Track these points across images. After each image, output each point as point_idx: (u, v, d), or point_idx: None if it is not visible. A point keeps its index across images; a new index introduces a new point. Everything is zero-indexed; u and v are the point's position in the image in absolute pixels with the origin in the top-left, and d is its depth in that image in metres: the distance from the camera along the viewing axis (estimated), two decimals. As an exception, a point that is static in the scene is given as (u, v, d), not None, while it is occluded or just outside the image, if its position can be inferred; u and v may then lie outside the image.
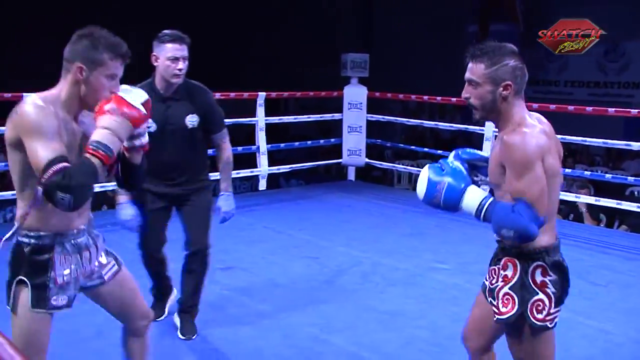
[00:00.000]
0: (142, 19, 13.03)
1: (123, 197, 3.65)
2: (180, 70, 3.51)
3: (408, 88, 9.25)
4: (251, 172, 7.64)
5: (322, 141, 9.24)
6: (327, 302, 4.44)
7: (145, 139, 2.39)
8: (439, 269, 5.20)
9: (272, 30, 16.36)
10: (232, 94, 7.29)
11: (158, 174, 3.61)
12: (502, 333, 2.47)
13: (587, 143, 7.06)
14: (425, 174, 2.36)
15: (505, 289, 2.31)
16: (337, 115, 8.61)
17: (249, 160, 7.84)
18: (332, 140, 8.92)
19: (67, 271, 2.33)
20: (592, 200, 6.80)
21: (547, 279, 2.26)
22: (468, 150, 2.53)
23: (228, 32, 16.32)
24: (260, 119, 7.51)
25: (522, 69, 2.27)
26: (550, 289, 2.26)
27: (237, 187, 11.00)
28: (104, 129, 2.15)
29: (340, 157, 8.70)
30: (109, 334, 3.81)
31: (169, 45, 3.49)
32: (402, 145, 9.89)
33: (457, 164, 2.38)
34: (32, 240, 2.27)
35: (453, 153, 2.49)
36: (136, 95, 2.25)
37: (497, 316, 2.35)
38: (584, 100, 11.48)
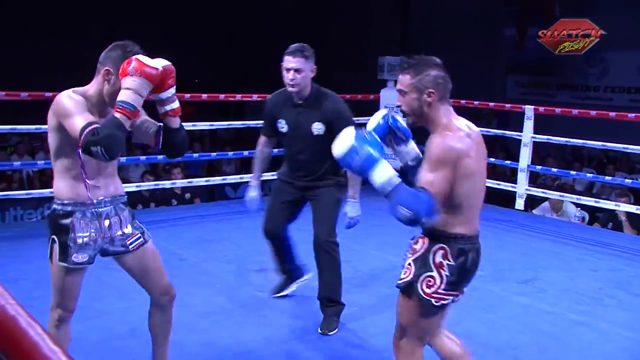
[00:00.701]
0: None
1: (253, 182, 4.24)
2: (291, 80, 3.79)
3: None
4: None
5: (358, 144, 9.22)
6: (361, 307, 4.43)
7: (175, 104, 2.74)
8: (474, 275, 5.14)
9: (309, 33, 16.39)
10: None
11: (291, 168, 4.14)
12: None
13: (628, 150, 6.94)
14: (349, 138, 2.47)
15: (409, 260, 2.65)
16: (373, 119, 8.58)
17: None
18: (368, 143, 8.89)
19: (86, 234, 2.75)
20: (632, 208, 6.68)
21: (445, 262, 2.54)
22: (397, 120, 2.75)
23: (263, 35, 16.40)
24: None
25: (444, 77, 2.58)
26: (445, 272, 2.54)
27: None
28: (127, 89, 2.52)
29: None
30: (142, 332, 3.86)
31: (285, 57, 3.81)
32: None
33: (377, 137, 2.59)
34: (59, 207, 2.75)
35: (379, 120, 2.72)
36: (156, 61, 2.60)
37: (397, 281, 2.67)
38: (624, 106, 11.29)
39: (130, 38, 2.72)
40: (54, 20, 14.30)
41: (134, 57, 2.56)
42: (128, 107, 2.51)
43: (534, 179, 8.66)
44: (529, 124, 7.12)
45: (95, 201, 2.77)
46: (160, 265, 3.00)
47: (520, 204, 7.24)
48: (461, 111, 10.31)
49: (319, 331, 4.01)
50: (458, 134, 2.52)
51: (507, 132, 7.75)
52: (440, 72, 2.57)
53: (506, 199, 8.30)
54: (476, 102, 8.21)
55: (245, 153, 8.03)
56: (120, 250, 2.87)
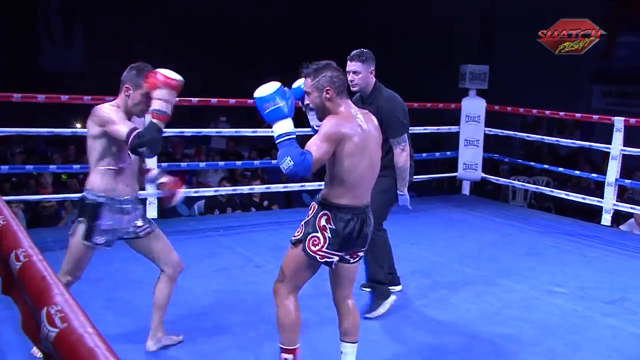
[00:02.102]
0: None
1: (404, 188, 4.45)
2: (351, 81, 4.19)
3: (525, 101, 8.97)
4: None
5: (437, 154, 9.07)
6: (439, 321, 4.31)
7: (166, 108, 3.25)
8: (557, 293, 4.96)
9: (389, 39, 16.31)
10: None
11: None
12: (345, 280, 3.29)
13: None
14: (273, 88, 2.96)
15: (303, 222, 3.13)
16: (453, 128, 8.45)
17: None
18: (448, 153, 8.74)
19: (109, 222, 3.38)
20: None
21: (327, 226, 3.03)
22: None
23: (345, 42, 16.40)
24: (377, 129, 7.46)
25: (338, 76, 3.06)
26: (327, 234, 3.03)
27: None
28: (158, 99, 3.18)
29: (454, 171, 8.53)
30: (217, 340, 3.86)
31: (347, 62, 4.26)
32: (520, 160, 9.58)
33: (292, 98, 3.04)
34: (92, 197, 3.36)
35: (301, 84, 3.24)
36: (174, 73, 3.23)
37: (291, 238, 3.15)
38: None
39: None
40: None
41: (158, 71, 3.22)
42: (162, 113, 3.18)
43: (621, 193, 8.35)
44: (618, 136, 6.86)
45: (122, 198, 3.41)
46: (168, 244, 3.64)
47: (607, 219, 6.98)
48: (544, 122, 10.05)
49: (365, 316, 4.16)
50: (348, 120, 3.01)
51: (594, 145, 7.49)
52: (335, 72, 3.06)
53: (590, 213, 8.03)
54: (561, 113, 7.98)
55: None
56: (132, 236, 3.52)
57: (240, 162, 9.06)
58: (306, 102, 3.15)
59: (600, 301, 4.83)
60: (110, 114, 3.25)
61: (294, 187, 7.76)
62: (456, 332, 4.15)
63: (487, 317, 4.43)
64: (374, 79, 4.35)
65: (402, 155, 4.32)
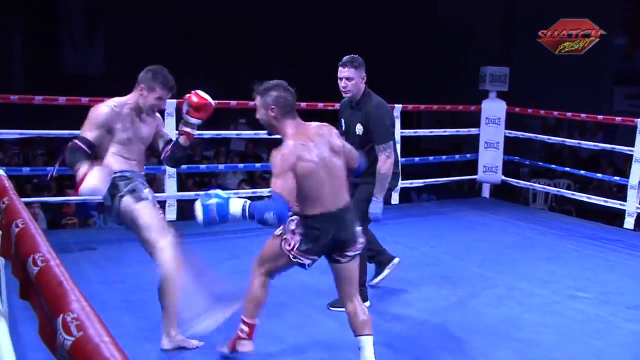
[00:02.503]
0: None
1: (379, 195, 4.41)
2: (343, 87, 4.34)
3: (546, 103, 8.90)
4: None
5: (457, 156, 9.03)
6: (459, 325, 4.27)
7: (194, 131, 3.85)
8: (579, 298, 4.91)
9: (408, 42, 16.27)
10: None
11: None
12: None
13: None
14: (199, 204, 3.15)
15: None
16: (473, 130, 8.40)
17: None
18: (468, 155, 8.69)
19: (146, 190, 3.66)
20: None
21: (296, 230, 3.25)
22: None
23: (364, 44, 16.39)
24: (396, 131, 7.42)
25: (284, 97, 3.27)
26: (297, 238, 3.25)
27: (368, 199, 11.02)
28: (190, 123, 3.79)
29: (473, 173, 8.48)
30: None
31: (339, 68, 4.36)
32: (541, 163, 9.50)
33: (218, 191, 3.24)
34: (118, 175, 3.60)
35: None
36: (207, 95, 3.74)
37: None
38: None
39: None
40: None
41: (194, 92, 3.77)
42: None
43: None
44: (642, 139, 6.78)
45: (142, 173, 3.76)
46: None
47: (629, 222, 6.90)
48: (564, 124, 9.97)
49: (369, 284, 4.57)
50: (295, 144, 3.18)
51: (617, 147, 7.41)
52: (282, 93, 3.27)
53: (612, 216, 7.95)
54: (583, 115, 7.90)
55: (343, 163, 8.01)
56: None
57: (260, 164, 9.06)
58: (257, 117, 3.37)
59: (623, 306, 4.77)
60: (90, 115, 3.58)
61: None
62: (476, 336, 4.11)
63: (507, 321, 4.39)
64: (365, 85, 4.40)
65: (387, 163, 4.31)
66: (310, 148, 3.21)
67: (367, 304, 4.41)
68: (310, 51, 16.44)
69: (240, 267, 5.31)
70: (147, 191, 3.65)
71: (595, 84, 13.41)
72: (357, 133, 4.37)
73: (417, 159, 8.45)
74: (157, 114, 3.87)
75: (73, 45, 15.95)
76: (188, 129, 3.81)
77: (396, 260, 4.92)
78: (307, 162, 3.16)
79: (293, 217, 3.26)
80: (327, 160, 3.25)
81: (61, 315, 0.79)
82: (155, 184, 9.18)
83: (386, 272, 4.90)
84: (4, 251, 1.40)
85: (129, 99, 3.68)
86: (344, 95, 4.39)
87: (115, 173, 3.60)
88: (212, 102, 3.78)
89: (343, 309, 3.66)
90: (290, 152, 3.15)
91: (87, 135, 3.55)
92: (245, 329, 3.47)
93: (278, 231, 3.36)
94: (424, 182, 8.29)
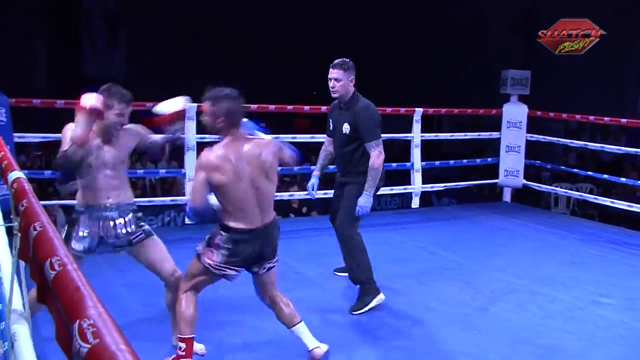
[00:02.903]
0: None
1: (314, 172, 4.90)
2: (332, 88, 4.49)
3: (568, 107, 8.81)
4: (404, 189, 7.53)
5: (478, 160, 8.96)
6: (481, 331, 4.23)
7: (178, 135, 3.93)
8: (602, 304, 4.84)
9: (429, 45, 16.23)
10: (389, 109, 7.22)
11: (336, 165, 4.86)
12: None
13: None
14: None
15: (206, 237, 3.46)
16: (494, 134, 8.34)
17: (401, 177, 7.73)
18: (489, 159, 8.63)
19: (85, 231, 3.51)
20: None
21: (221, 244, 3.36)
22: None
23: (385, 46, 16.37)
24: (416, 135, 7.40)
25: (234, 110, 3.37)
26: (221, 251, 3.37)
27: (387, 203, 10.99)
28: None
29: (494, 177, 8.42)
30: (255, 346, 3.84)
31: (329, 70, 4.50)
32: (564, 167, 9.41)
33: None
34: (76, 207, 3.56)
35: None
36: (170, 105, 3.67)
37: (196, 248, 3.49)
38: None
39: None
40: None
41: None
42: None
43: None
44: (666, 143, 6.70)
45: (102, 206, 3.52)
46: (161, 253, 3.68)
47: (653, 227, 6.81)
48: (587, 127, 9.82)
49: (350, 311, 4.47)
50: (217, 152, 3.32)
51: (640, 151, 7.32)
52: (233, 105, 3.37)
53: (636, 221, 7.86)
54: (606, 119, 7.82)
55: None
56: (124, 244, 3.60)
57: (280, 167, 9.05)
58: (202, 118, 3.49)
59: (649, 312, 4.70)
60: (65, 133, 3.50)
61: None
62: (497, 342, 4.07)
63: (529, 327, 4.34)
64: (353, 88, 4.54)
65: (380, 158, 4.44)
66: (232, 161, 3.31)
67: (382, 296, 4.55)
68: (318, 54, 16.44)
69: (321, 267, 5.31)
70: (84, 233, 3.53)
71: (619, 86, 13.29)
72: (344, 132, 4.54)
73: (437, 162, 8.39)
74: (130, 126, 3.67)
75: (94, 49, 16.07)
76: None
77: (382, 296, 4.58)
78: (224, 173, 3.28)
79: (218, 233, 3.39)
80: (253, 177, 3.36)
81: (77, 321, 0.77)
82: (175, 187, 9.23)
83: (372, 305, 4.53)
84: (23, 254, 1.39)
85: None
86: (332, 95, 4.54)
87: (77, 207, 3.60)
88: (175, 108, 3.72)
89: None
90: (210, 157, 3.31)
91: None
92: (183, 345, 3.42)
93: (199, 251, 3.45)
94: (444, 186, 8.24)
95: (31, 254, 1.27)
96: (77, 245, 3.51)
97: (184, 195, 6.65)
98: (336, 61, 4.51)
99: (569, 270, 5.65)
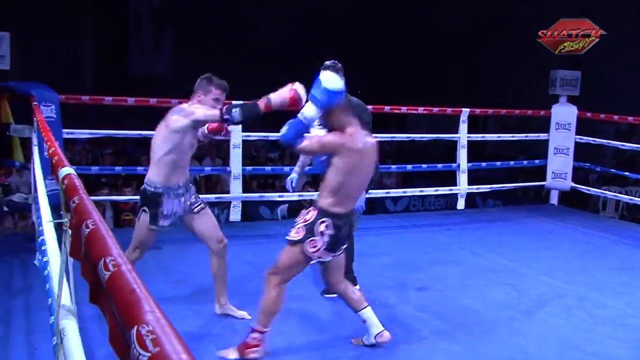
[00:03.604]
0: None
1: (295, 168, 5.06)
2: None
3: (620, 108, 8.61)
4: (450, 190, 7.45)
5: (525, 162, 8.82)
6: (527, 336, 4.15)
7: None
8: (654, 311, 4.71)
9: (477, 45, 16.05)
10: (435, 109, 7.15)
11: None
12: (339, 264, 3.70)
13: None
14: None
15: (301, 224, 3.48)
16: (542, 135, 8.20)
17: (447, 178, 7.65)
18: (537, 161, 8.48)
19: (170, 208, 3.90)
20: None
21: (326, 232, 3.42)
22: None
23: (430, 47, 16.24)
24: (463, 135, 7.31)
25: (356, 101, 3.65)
26: (325, 239, 3.42)
27: (432, 204, 10.89)
28: (275, 94, 3.62)
29: (540, 179, 8.28)
30: (299, 348, 3.82)
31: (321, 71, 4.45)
32: (613, 170, 9.20)
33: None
34: (152, 188, 3.88)
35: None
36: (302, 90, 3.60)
37: (287, 237, 3.52)
38: None
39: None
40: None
41: (296, 85, 3.62)
42: (269, 103, 3.59)
43: None
44: None
45: (176, 186, 3.92)
46: (215, 222, 4.15)
47: None
48: (637, 129, 9.49)
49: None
50: (352, 137, 3.41)
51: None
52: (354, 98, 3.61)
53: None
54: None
55: (409, 167, 7.90)
56: (187, 212, 4.03)
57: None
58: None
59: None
60: (197, 107, 3.81)
61: (378, 193, 7.68)
62: (544, 348, 3.98)
63: (577, 333, 4.24)
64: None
65: None
66: (359, 150, 3.44)
67: (357, 287, 4.39)
68: (362, 55, 16.43)
69: (365, 268, 5.29)
70: (169, 212, 3.92)
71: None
72: None
73: (484, 164, 8.28)
74: None
75: (141, 49, 16.25)
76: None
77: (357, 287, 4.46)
78: (351, 159, 3.41)
79: (322, 220, 3.43)
80: (366, 167, 3.53)
81: (135, 327, 0.76)
82: (220, 185, 9.27)
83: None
84: (74, 252, 1.38)
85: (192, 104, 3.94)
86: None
87: (155, 186, 3.88)
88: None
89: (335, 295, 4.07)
90: (345, 139, 3.40)
91: (213, 109, 3.78)
92: (258, 337, 3.54)
93: (295, 237, 3.47)
94: (491, 188, 8.12)
95: (83, 252, 1.26)
96: (165, 222, 3.93)
97: (228, 192, 6.67)
98: (326, 63, 4.55)
99: (618, 276, 5.52)
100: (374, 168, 3.71)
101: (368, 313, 3.78)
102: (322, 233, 3.42)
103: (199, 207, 4.06)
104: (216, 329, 4.03)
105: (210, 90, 3.89)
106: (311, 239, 3.43)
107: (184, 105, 3.90)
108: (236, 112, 3.58)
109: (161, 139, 3.85)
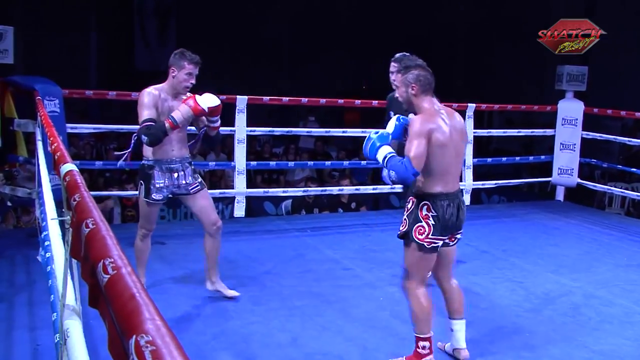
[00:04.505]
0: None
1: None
2: (393, 80, 4.59)
3: (628, 104, 8.55)
4: (455, 186, 7.40)
5: (531, 157, 8.77)
6: (534, 334, 4.11)
7: (217, 124, 4.19)
8: (662, 309, 4.67)
9: (483, 41, 15.99)
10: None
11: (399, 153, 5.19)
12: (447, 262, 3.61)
13: None
14: (370, 136, 3.48)
15: (405, 215, 3.47)
16: (548, 131, 8.15)
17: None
18: (543, 157, 8.43)
19: (160, 181, 4.11)
20: None
21: (429, 214, 3.36)
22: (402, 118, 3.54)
23: (435, 42, 16.17)
24: (469, 131, 7.25)
25: (425, 76, 3.39)
26: (430, 221, 3.36)
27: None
28: (178, 110, 3.91)
29: (545, 175, 8.23)
30: (303, 343, 3.79)
31: (392, 63, 4.63)
32: (620, 166, 9.14)
33: (390, 129, 3.49)
34: (144, 162, 4.12)
35: (394, 120, 3.52)
36: (206, 101, 3.97)
37: (397, 233, 3.49)
38: None
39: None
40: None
41: (194, 96, 3.96)
42: (173, 121, 3.88)
43: None
44: None
45: (169, 159, 4.10)
46: (210, 204, 4.28)
47: None
48: (629, 125, 9.36)
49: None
50: (432, 115, 3.33)
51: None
52: (422, 72, 3.41)
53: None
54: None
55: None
56: (183, 192, 4.20)
57: (330, 162, 9.01)
58: (396, 94, 3.65)
59: None
60: (144, 99, 4.00)
61: (383, 189, 7.63)
62: (551, 346, 3.95)
63: (584, 331, 4.20)
64: None
65: None
66: (445, 123, 3.36)
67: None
68: (368, 48, 16.34)
69: (307, 266, 5.28)
70: (160, 184, 4.11)
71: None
72: None
73: (489, 159, 8.24)
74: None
75: (146, 43, 16.20)
76: (212, 125, 4.20)
77: None
78: (440, 135, 3.31)
79: (422, 203, 3.37)
80: (455, 140, 3.40)
81: (134, 337, 0.72)
82: (224, 180, 9.24)
83: None
84: (75, 252, 1.35)
85: (164, 84, 4.11)
86: (393, 87, 4.58)
87: (148, 159, 4.12)
88: (216, 101, 4.04)
89: None
90: (428, 121, 3.30)
91: (145, 116, 3.93)
92: (427, 345, 3.48)
93: (402, 229, 3.44)
94: (496, 184, 8.08)
95: (83, 253, 1.23)
96: (157, 196, 4.12)
97: (232, 188, 6.64)
98: (397, 55, 4.63)
99: (626, 273, 5.48)
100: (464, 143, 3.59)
101: (460, 325, 3.67)
102: (425, 217, 3.36)
103: (195, 188, 4.20)
104: (222, 325, 4.00)
105: (184, 65, 4.03)
106: (417, 225, 3.38)
107: (143, 91, 4.07)
108: (145, 139, 3.87)
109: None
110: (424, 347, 3.47)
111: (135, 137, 4.01)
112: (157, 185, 4.10)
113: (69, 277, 1.75)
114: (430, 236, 3.36)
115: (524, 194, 10.65)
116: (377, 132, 3.46)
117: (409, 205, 3.45)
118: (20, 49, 6.04)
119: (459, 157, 3.49)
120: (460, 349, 3.65)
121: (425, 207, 3.36)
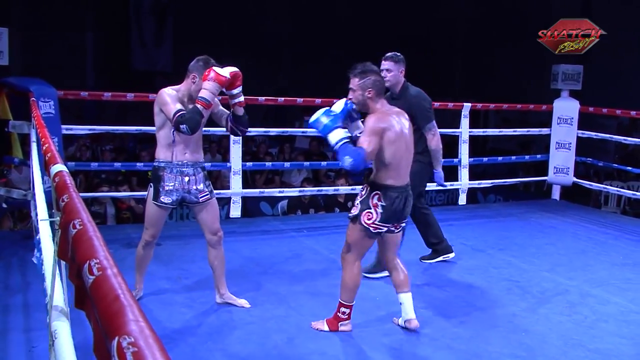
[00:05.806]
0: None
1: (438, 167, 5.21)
2: (384, 77, 4.54)
3: (623, 102, 8.55)
4: (451, 185, 7.40)
5: (527, 157, 8.78)
6: (529, 332, 4.11)
7: (241, 98, 4.03)
8: (658, 307, 4.67)
9: (478, 40, 15.99)
10: (437, 104, 7.09)
11: None
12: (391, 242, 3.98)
13: None
14: (319, 112, 3.75)
15: (357, 201, 3.84)
16: (544, 130, 8.15)
17: (448, 173, 7.60)
18: (539, 156, 8.43)
19: (170, 184, 4.02)
20: None
21: (378, 203, 3.73)
22: (353, 105, 3.79)
23: (435, 42, 16.18)
24: (464, 130, 7.26)
25: (380, 81, 3.82)
26: (379, 210, 3.73)
27: (433, 199, 10.84)
28: (205, 89, 3.81)
29: (541, 174, 8.23)
30: (299, 343, 3.78)
31: (382, 61, 4.91)
32: (616, 165, 9.14)
33: (337, 111, 3.74)
34: (156, 164, 4.05)
35: (342, 102, 3.79)
36: (226, 70, 3.85)
37: (348, 214, 3.89)
38: None
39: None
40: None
41: (212, 67, 3.83)
42: (205, 100, 3.80)
43: None
44: None
45: (180, 162, 4.02)
46: (215, 215, 4.19)
47: None
48: (624, 124, 9.34)
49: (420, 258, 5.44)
50: (385, 115, 3.72)
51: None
52: (377, 77, 3.80)
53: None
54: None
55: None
56: (193, 200, 4.11)
57: (326, 162, 9.00)
58: (349, 97, 3.80)
59: None
60: (167, 97, 3.92)
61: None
62: (547, 344, 3.94)
63: (580, 330, 4.20)
64: (404, 79, 5.00)
65: (434, 139, 5.02)
66: (395, 122, 3.75)
67: (452, 255, 5.49)
68: (365, 49, 16.29)
69: (303, 266, 5.27)
70: (170, 187, 4.02)
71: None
72: None
73: (485, 159, 8.24)
74: None
75: (142, 43, 16.19)
76: (237, 100, 4.04)
77: (452, 254, 5.50)
78: (392, 133, 3.69)
79: (374, 193, 3.74)
80: (405, 136, 3.79)
81: (116, 338, 0.71)
82: (220, 181, 9.22)
83: (440, 258, 5.47)
84: (62, 253, 1.34)
85: (181, 86, 4.04)
86: (386, 84, 4.67)
87: (159, 161, 4.04)
88: (234, 68, 3.94)
89: (378, 275, 4.80)
90: (383, 119, 3.69)
91: (175, 109, 3.84)
92: (347, 311, 3.91)
93: (353, 212, 3.81)
94: (492, 183, 8.08)
95: (70, 254, 1.22)
96: (166, 199, 4.04)
97: (228, 188, 6.63)
98: (388, 54, 4.93)
99: (622, 271, 5.48)
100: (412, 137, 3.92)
101: (406, 298, 3.99)
102: (375, 205, 3.73)
103: (204, 197, 4.12)
104: (216, 326, 3.99)
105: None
106: (366, 211, 3.74)
107: (162, 91, 3.98)
108: (184, 127, 3.78)
109: (155, 114, 4.02)
110: (343, 313, 3.91)
111: (174, 132, 3.93)
112: (167, 188, 4.01)
113: (57, 278, 1.74)
114: (376, 222, 3.74)
115: (520, 193, 10.66)
116: (330, 111, 3.75)
117: (363, 192, 3.83)
118: (17, 48, 6.02)
119: (409, 152, 3.85)
120: (411, 319, 3.98)
121: (377, 196, 3.74)
